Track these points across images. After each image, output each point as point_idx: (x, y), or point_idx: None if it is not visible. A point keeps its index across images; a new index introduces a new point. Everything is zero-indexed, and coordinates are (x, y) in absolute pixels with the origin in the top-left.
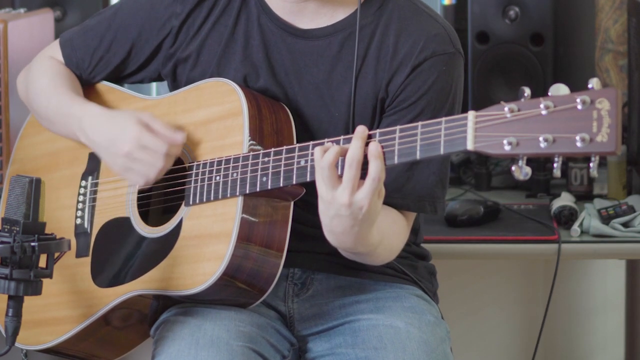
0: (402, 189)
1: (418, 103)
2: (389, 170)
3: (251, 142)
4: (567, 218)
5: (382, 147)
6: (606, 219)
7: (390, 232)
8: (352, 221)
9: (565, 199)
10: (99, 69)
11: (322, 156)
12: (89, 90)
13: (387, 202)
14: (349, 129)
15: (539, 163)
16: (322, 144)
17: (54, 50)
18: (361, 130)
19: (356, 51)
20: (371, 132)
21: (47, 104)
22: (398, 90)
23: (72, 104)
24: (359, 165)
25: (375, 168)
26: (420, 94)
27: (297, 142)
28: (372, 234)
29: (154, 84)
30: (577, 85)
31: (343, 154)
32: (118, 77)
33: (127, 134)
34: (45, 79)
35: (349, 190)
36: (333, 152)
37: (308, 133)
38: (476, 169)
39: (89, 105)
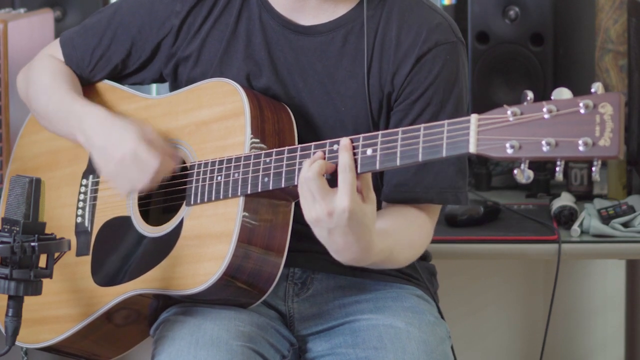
0: (423, 182)
1: (425, 94)
2: (409, 165)
3: (253, 139)
4: (567, 218)
5: (383, 149)
6: (606, 219)
7: (406, 230)
8: (344, 230)
9: (565, 199)
10: (98, 67)
11: (308, 169)
12: (90, 89)
13: (410, 197)
14: (360, 123)
15: (540, 163)
16: (325, 144)
17: (54, 49)
18: (345, 143)
19: (365, 43)
20: (372, 134)
21: (47, 102)
22: (404, 83)
23: (73, 103)
24: (352, 171)
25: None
26: (427, 85)
27: (301, 140)
28: (375, 239)
29: (154, 84)
30: (577, 85)
31: (329, 170)
32: (118, 76)
33: (125, 142)
34: (46, 78)
35: (347, 193)
36: (318, 165)
37: (314, 129)
38: (476, 169)
39: (91, 105)
